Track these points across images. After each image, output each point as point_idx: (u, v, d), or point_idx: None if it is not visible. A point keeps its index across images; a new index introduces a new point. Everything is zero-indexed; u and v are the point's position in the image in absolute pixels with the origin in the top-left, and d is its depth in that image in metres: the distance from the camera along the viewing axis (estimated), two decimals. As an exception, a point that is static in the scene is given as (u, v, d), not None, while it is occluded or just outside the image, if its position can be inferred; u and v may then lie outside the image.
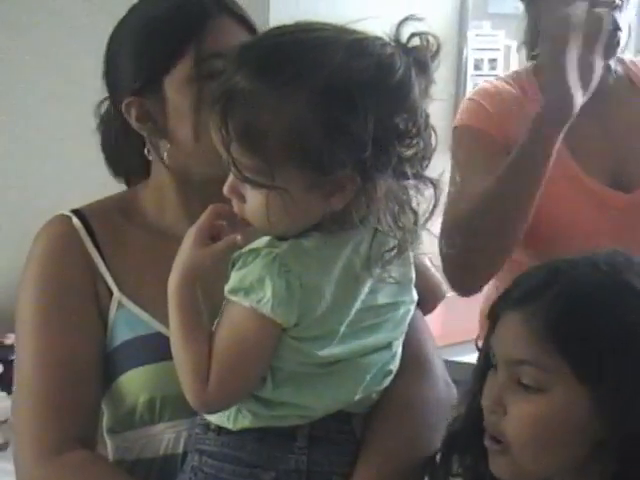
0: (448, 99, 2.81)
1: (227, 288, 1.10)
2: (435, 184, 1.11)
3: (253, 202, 1.08)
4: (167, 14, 1.26)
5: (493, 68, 3.00)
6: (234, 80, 1.05)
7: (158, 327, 1.25)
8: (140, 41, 1.27)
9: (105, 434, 1.33)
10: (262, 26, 1.25)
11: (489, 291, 1.87)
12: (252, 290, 1.07)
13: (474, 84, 2.94)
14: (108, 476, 1.22)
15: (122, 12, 1.31)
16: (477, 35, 2.97)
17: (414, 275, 1.21)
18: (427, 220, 1.11)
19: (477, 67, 2.98)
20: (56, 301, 1.27)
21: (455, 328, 2.37)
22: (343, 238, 1.11)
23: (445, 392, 1.29)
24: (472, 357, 2.26)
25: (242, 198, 1.10)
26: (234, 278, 1.09)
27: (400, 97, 1.06)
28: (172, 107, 1.26)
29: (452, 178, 1.64)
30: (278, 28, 1.09)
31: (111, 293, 1.28)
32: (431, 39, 1.10)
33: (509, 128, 1.75)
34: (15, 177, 2.55)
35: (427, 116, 1.09)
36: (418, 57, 1.09)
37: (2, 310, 2.45)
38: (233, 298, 1.09)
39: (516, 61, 3.00)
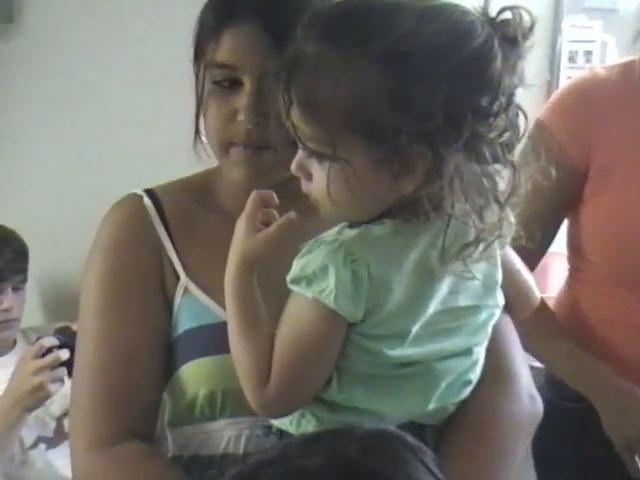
0: (539, 90, 2.73)
1: (289, 278, 1.04)
2: (515, 167, 1.03)
3: (319, 179, 1.03)
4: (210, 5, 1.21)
5: (588, 61, 2.90)
6: (301, 46, 1.00)
7: (224, 316, 1.16)
8: (200, 17, 1.22)
9: (166, 427, 1.28)
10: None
11: (560, 295, 1.86)
12: (314, 279, 1.01)
13: (567, 77, 2.85)
14: (160, 472, 1.17)
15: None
16: (572, 26, 2.87)
17: (500, 277, 1.13)
18: (504, 205, 1.03)
19: (571, 59, 2.88)
20: (121, 288, 1.23)
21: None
22: (418, 228, 1.04)
23: (529, 408, 1.21)
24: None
25: (309, 176, 1.05)
26: (296, 266, 1.03)
27: (477, 68, 0.98)
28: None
29: None
30: None
31: (178, 278, 1.23)
32: (524, 14, 1.01)
33: (594, 144, 1.68)
34: (92, 161, 2.54)
35: (511, 95, 1.01)
36: (506, 31, 1.00)
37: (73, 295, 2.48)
38: (295, 288, 1.03)
39: (614, 56, 2.90)
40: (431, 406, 1.09)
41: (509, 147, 1.02)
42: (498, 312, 1.15)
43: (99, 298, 1.22)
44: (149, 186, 1.30)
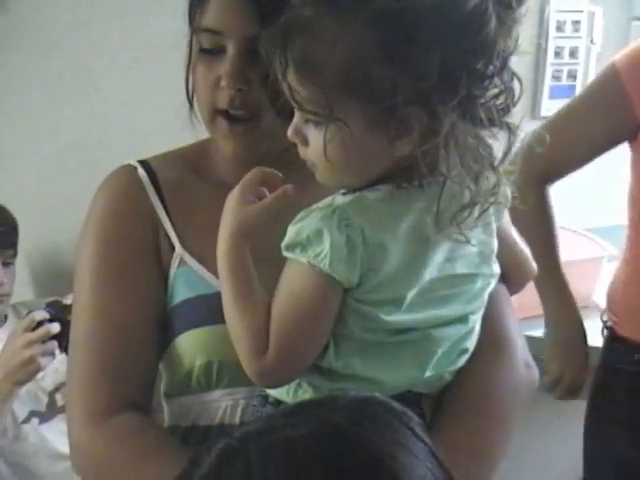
0: (528, 61, 2.73)
1: (283, 244, 1.04)
2: (512, 129, 1.03)
3: (315, 142, 1.03)
4: None
5: (576, 30, 2.89)
6: (298, 9, 1.01)
7: (220, 286, 1.15)
8: None
9: (162, 398, 1.28)
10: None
11: (617, 272, 1.98)
12: (309, 244, 1.01)
13: (556, 46, 2.84)
14: (157, 443, 1.16)
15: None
16: (560, -5, 2.86)
17: (496, 247, 1.13)
18: (499, 171, 1.04)
19: (559, 29, 2.87)
20: (116, 259, 1.22)
21: (527, 302, 2.28)
22: (413, 194, 1.04)
23: (525, 376, 1.22)
24: (542, 332, 2.22)
25: (305, 141, 1.05)
26: (290, 232, 1.03)
27: (471, 29, 0.98)
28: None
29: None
30: None
31: (173, 248, 1.23)
32: None
33: None
34: (80, 137, 2.53)
35: (506, 59, 1.01)
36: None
37: (63, 270, 2.48)
38: (290, 255, 1.03)
39: (600, 26, 2.90)
40: (428, 373, 1.10)
41: (504, 110, 1.02)
42: (494, 281, 1.15)
43: (94, 270, 1.22)
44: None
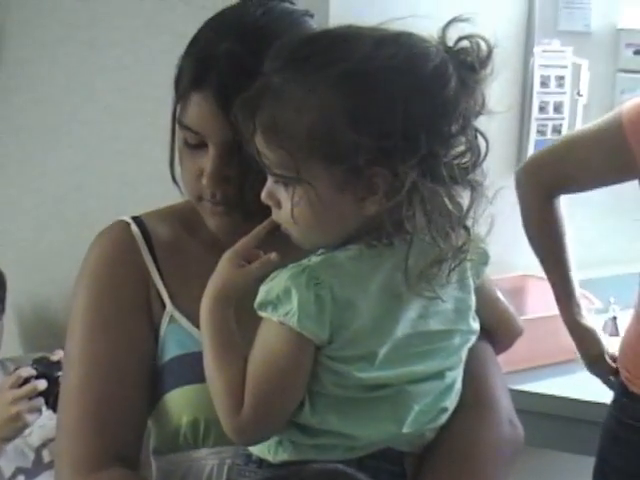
0: (513, 116, 2.75)
1: (256, 303, 1.06)
2: (474, 188, 1.06)
3: (285, 205, 1.05)
4: (184, 61, 1.18)
5: (560, 86, 2.92)
6: (266, 77, 1.04)
7: None
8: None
9: (151, 455, 1.28)
10: (322, 23, 1.22)
11: (628, 327, 2.01)
12: (279, 303, 1.03)
13: (540, 101, 2.87)
14: None
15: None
16: (544, 51, 2.89)
17: (474, 303, 1.14)
18: (460, 222, 1.05)
19: (544, 84, 2.91)
20: (107, 314, 1.22)
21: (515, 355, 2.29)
22: (383, 251, 1.06)
23: (510, 434, 1.21)
24: (533, 385, 2.23)
25: (278, 204, 1.07)
26: (261, 291, 1.05)
27: (431, 90, 1.01)
28: None
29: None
30: (321, 30, 1.11)
31: (164, 306, 1.24)
32: (482, 42, 1.05)
33: None
34: (74, 188, 2.54)
35: (469, 119, 1.04)
36: (463, 59, 1.04)
37: (52, 325, 2.47)
38: (262, 313, 1.05)
39: (587, 79, 2.93)
40: (406, 430, 1.09)
41: (469, 169, 1.05)
42: (474, 338, 1.15)
43: (86, 322, 1.22)
44: (129, 213, 1.30)
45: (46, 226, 2.53)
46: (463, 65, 1.03)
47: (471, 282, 1.13)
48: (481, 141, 1.06)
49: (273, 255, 1.09)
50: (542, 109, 2.90)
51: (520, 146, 2.88)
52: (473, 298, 1.14)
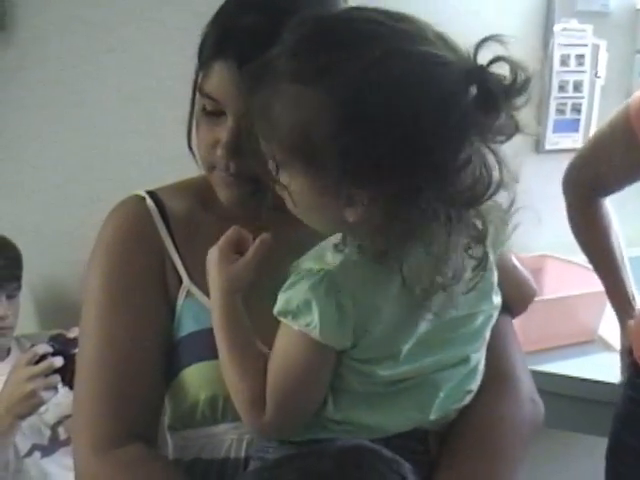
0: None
1: (275, 310, 1.03)
2: (448, 222, 0.95)
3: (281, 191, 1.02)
4: (209, 30, 1.17)
5: (580, 64, 2.90)
6: (277, 54, 0.98)
7: None
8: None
9: (166, 431, 1.27)
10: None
11: None
12: (299, 313, 1.00)
13: (560, 80, 2.85)
14: (162, 474, 1.15)
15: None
16: (564, 29, 2.87)
17: (496, 279, 1.12)
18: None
19: (564, 63, 2.88)
20: (123, 289, 1.21)
21: (534, 336, 2.28)
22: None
23: (531, 411, 1.20)
24: (549, 366, 2.23)
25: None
26: (280, 300, 1.02)
27: (435, 117, 0.90)
28: None
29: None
30: (343, 15, 1.01)
31: (180, 280, 1.23)
32: (518, 70, 0.92)
33: None
34: (84, 169, 2.54)
35: (479, 151, 0.93)
36: (486, 86, 0.91)
37: (67, 302, 2.48)
38: (283, 320, 1.03)
39: (604, 60, 2.91)
40: (432, 416, 1.09)
41: (473, 203, 0.95)
42: (496, 313, 1.14)
43: (100, 299, 1.21)
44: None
45: (58, 206, 2.53)
46: (489, 92, 0.91)
47: (492, 257, 1.09)
48: (493, 169, 0.94)
49: (264, 236, 1.08)
50: (561, 88, 2.88)
51: (539, 125, 2.86)
52: (495, 274, 1.11)
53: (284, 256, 1.06)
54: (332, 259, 1.01)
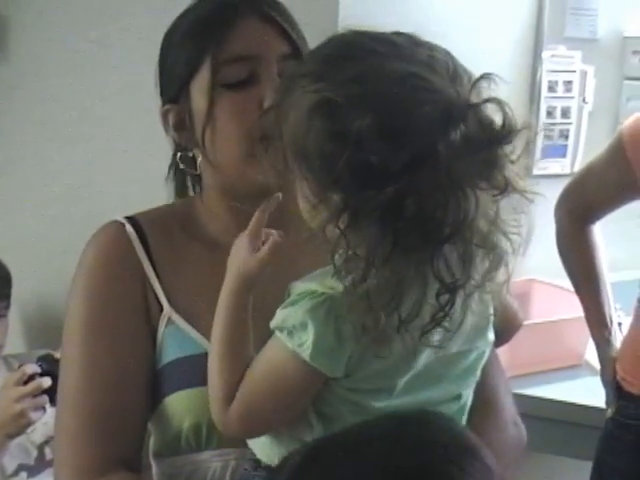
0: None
1: (272, 324, 1.03)
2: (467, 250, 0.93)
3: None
4: (195, 19, 1.21)
5: (568, 90, 2.92)
6: (305, 62, 1.01)
7: (208, 346, 1.14)
8: (175, 45, 1.24)
9: (151, 458, 1.27)
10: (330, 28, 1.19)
11: (630, 331, 2.05)
12: (295, 331, 0.99)
13: (547, 106, 2.87)
14: None
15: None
16: (552, 56, 2.89)
17: (492, 313, 1.09)
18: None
19: (551, 89, 2.90)
20: (104, 315, 1.21)
21: (520, 360, 2.28)
22: None
23: (514, 435, 1.22)
24: (536, 390, 2.23)
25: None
26: (278, 316, 1.02)
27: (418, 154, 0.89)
28: (196, 114, 1.20)
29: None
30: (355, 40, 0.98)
31: (161, 307, 1.22)
32: (507, 116, 0.90)
33: None
34: (81, 186, 2.54)
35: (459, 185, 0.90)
36: (473, 127, 0.90)
37: (56, 322, 2.47)
38: (277, 334, 1.02)
39: (592, 86, 2.93)
40: None
41: (454, 228, 0.91)
42: (488, 350, 1.12)
43: (83, 324, 1.21)
44: (137, 211, 1.29)
45: (52, 223, 2.53)
46: (471, 134, 0.90)
47: (488, 296, 1.05)
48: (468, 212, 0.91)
49: (276, 235, 1.06)
50: (549, 114, 2.90)
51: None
52: (491, 308, 1.08)
53: (279, 270, 1.06)
54: (336, 284, 0.97)
